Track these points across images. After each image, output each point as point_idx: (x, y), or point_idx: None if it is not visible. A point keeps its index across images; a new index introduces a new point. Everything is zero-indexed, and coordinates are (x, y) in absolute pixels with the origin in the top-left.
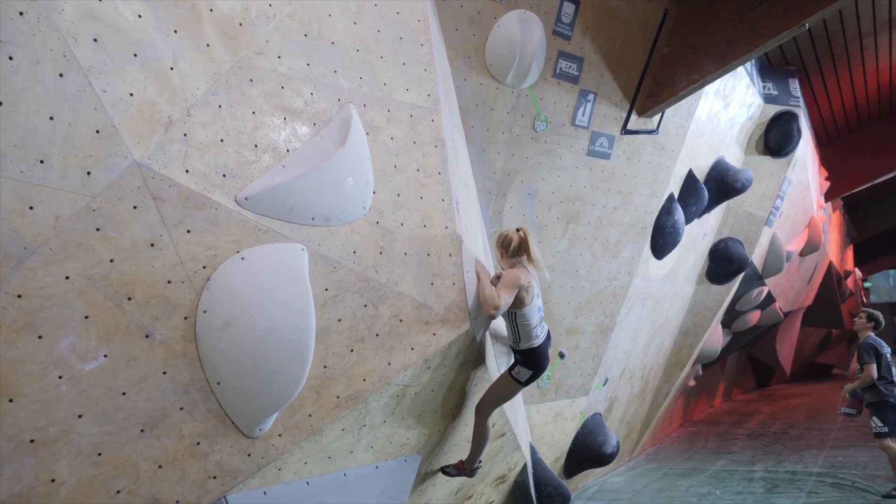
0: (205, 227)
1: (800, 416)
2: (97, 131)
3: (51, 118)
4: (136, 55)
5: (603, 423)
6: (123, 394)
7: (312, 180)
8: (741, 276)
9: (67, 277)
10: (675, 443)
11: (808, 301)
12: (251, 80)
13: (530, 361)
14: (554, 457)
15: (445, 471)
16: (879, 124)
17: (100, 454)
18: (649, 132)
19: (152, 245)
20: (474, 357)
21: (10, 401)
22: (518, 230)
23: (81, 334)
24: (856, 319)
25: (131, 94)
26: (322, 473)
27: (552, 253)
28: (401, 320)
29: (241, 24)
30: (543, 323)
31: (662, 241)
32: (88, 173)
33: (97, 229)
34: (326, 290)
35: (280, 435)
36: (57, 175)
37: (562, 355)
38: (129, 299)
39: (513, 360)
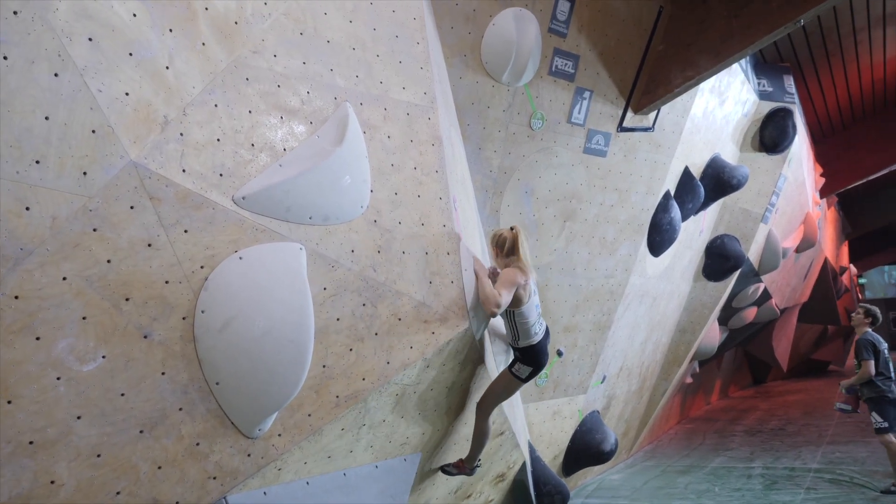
0: (202, 226)
1: (797, 412)
2: (93, 131)
3: (46, 118)
4: (131, 54)
5: (601, 421)
6: (122, 395)
7: (310, 179)
8: (737, 272)
9: (65, 278)
10: (672, 440)
11: (804, 297)
12: (247, 79)
13: (530, 358)
14: (552, 455)
15: (445, 470)
16: (874, 120)
17: (99, 455)
18: (645, 129)
19: (150, 245)
20: (473, 355)
21: (9, 402)
22: (511, 228)
23: (79, 335)
24: (853, 315)
25: (127, 94)
26: (322, 473)
27: (549, 251)
28: (399, 319)
29: (236, 23)
30: (542, 319)
31: (659, 238)
32: (85, 173)
33: (94, 230)
34: (325, 289)
35: (280, 435)
36: (53, 175)
37: (559, 353)
38: (127, 300)
39: (512, 358)
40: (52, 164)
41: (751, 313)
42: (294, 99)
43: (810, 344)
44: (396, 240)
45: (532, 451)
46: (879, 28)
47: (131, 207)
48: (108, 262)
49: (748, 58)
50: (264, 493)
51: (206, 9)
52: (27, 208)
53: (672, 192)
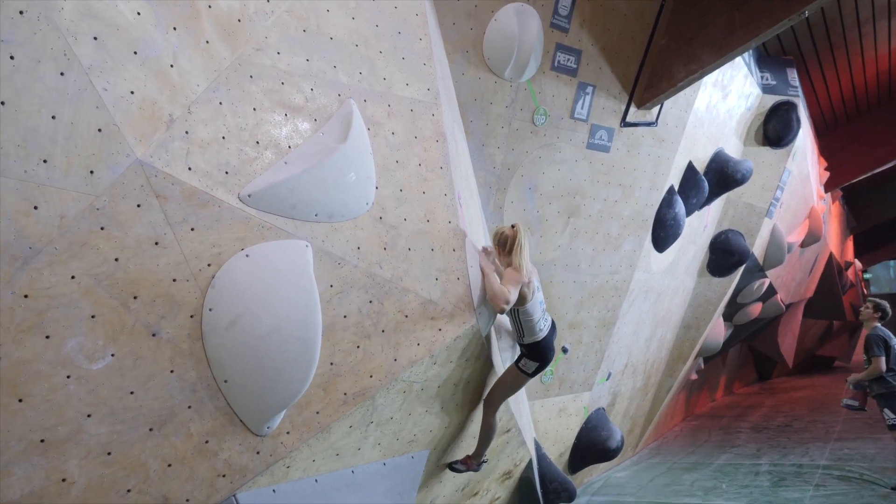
0: (208, 224)
1: (803, 408)
2: (99, 130)
3: (53, 117)
4: (135, 53)
5: (607, 418)
6: (131, 393)
7: (315, 176)
8: (742, 268)
9: (73, 277)
10: (678, 437)
11: (809, 293)
12: (251, 77)
13: (535, 354)
14: (558, 452)
15: (453, 467)
16: (878, 113)
17: (109, 453)
18: (648, 124)
19: (157, 243)
20: (480, 352)
21: (20, 401)
22: (512, 226)
23: (88, 334)
24: (861, 309)
25: (132, 92)
26: (330, 471)
27: (553, 247)
28: (406, 316)
29: (239, 21)
30: (546, 315)
31: (663, 233)
32: (91, 172)
33: (101, 228)
34: (331, 286)
35: (288, 432)
36: (60, 174)
37: (565, 350)
38: (135, 298)
39: (518, 353)
40: (58, 163)
41: (756, 309)
42: (298, 96)
43: (816, 339)
44: (402, 236)
45: (538, 448)
46: (884, 19)
47: (138, 206)
48: (116, 260)
49: (751, 51)
50: (273, 490)
51: (210, 7)
52: (35, 207)
53: (676, 188)
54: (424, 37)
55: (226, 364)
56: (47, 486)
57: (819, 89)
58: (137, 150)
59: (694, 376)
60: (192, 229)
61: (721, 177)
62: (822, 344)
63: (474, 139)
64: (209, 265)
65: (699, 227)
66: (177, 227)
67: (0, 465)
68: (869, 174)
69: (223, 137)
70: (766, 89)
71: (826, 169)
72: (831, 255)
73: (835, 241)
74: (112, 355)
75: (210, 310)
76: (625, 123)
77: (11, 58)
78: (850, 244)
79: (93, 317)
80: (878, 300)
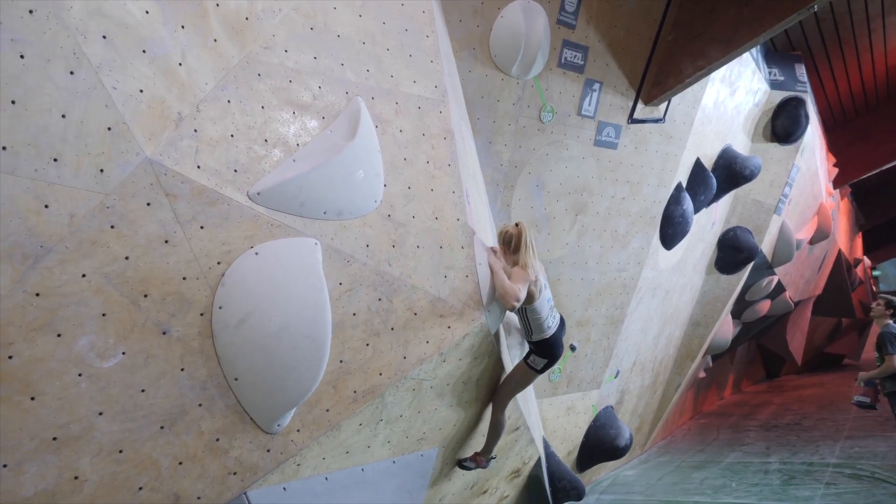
0: (218, 222)
1: (812, 406)
2: (109, 128)
3: (63, 116)
4: (144, 51)
5: (615, 416)
6: (142, 391)
7: (324, 174)
8: (751, 265)
9: (84, 275)
10: (686, 435)
11: (818, 290)
12: (259, 75)
13: (544, 351)
14: (566, 450)
15: (463, 464)
16: (888, 108)
17: (121, 451)
18: (656, 121)
19: (166, 242)
20: (489, 349)
21: (32, 399)
22: (516, 224)
23: (99, 332)
24: (873, 307)
25: (141, 91)
26: (340, 469)
27: (561, 245)
28: (415, 314)
29: (247, 19)
30: (555, 312)
31: (672, 230)
32: (101, 171)
33: (112, 227)
34: (340, 284)
35: (298, 430)
36: (70, 173)
37: (573, 348)
38: (145, 296)
39: (527, 350)
40: (69, 161)
41: (764, 306)
42: (306, 94)
43: (824, 337)
44: (411, 234)
45: (546, 446)
46: (894, 14)
47: (148, 204)
48: (126, 258)
49: (759, 47)
50: (284, 488)
51: (217, 5)
52: (46, 206)
53: (684, 184)
54: (431, 34)
55: (236, 362)
56: (60, 484)
57: (827, 85)
58: (147, 148)
59: (702, 374)
60: (202, 227)
61: (729, 173)
62: (831, 342)
63: (481, 136)
64: (219, 263)
65: (707, 224)
66: (186, 225)
67: (13, 462)
68: (878, 170)
69: (232, 135)
70: (775, 85)
71: (835, 165)
72: (840, 252)
73: (844, 237)
74: (123, 353)
75: (220, 308)
76: (632, 120)
77: (21, 57)
78: (858, 241)
79: (104, 315)
80: (890, 297)
